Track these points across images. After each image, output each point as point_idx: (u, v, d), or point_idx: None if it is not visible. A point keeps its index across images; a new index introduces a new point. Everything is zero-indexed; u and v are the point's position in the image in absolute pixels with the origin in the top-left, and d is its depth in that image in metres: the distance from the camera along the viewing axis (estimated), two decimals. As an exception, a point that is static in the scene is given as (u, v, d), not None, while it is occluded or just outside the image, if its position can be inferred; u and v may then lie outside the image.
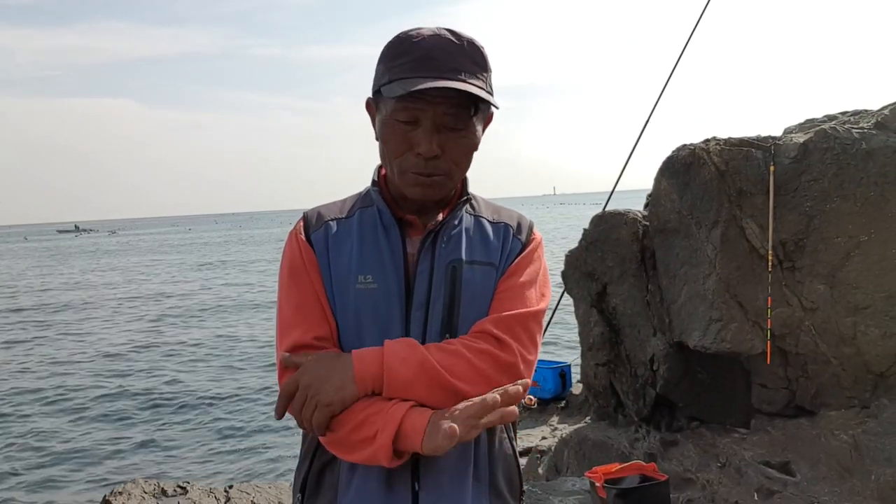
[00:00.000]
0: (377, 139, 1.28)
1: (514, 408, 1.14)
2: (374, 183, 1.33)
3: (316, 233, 1.29)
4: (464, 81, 1.18)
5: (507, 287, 1.26)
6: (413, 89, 1.16)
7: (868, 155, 4.07)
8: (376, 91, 1.25)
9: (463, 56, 1.20)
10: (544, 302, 1.29)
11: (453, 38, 1.22)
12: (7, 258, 58.02)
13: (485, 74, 1.23)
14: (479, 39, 1.25)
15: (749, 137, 4.45)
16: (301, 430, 1.31)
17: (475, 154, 1.31)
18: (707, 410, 4.73)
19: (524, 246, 1.31)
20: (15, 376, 13.11)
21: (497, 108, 1.27)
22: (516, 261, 1.29)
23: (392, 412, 1.13)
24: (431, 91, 1.17)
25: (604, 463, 4.28)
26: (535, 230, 1.35)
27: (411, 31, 1.23)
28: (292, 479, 1.39)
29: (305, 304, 1.25)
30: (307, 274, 1.26)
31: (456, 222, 1.29)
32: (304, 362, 1.19)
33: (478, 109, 1.23)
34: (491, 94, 1.24)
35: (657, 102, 5.97)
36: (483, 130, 1.30)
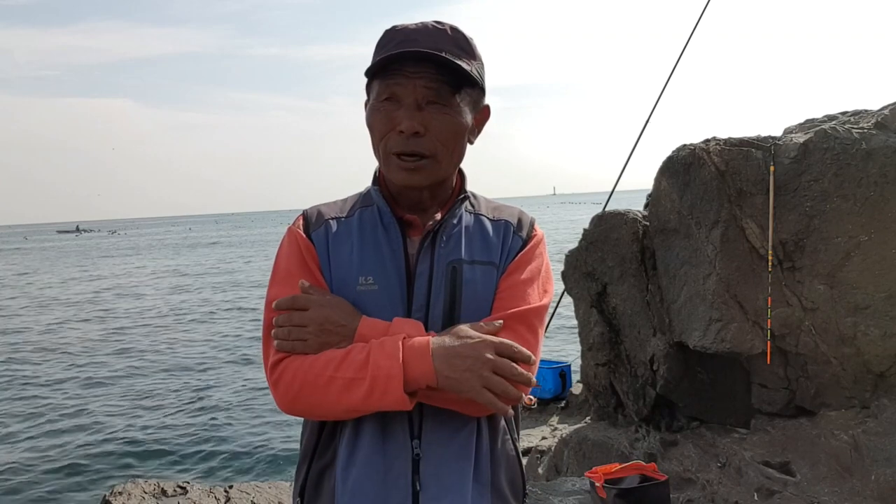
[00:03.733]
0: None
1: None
2: (374, 181, 1.32)
3: (316, 232, 1.27)
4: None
5: (508, 285, 1.25)
6: (387, 54, 1.16)
7: (868, 155, 4.07)
8: (367, 85, 1.26)
9: (445, 38, 1.20)
10: (547, 298, 1.28)
11: (437, 25, 1.23)
12: (10, 257, 58.01)
13: (471, 61, 1.22)
14: (469, 32, 1.24)
15: (749, 137, 4.45)
16: (301, 433, 1.31)
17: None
18: (707, 410, 4.73)
19: (525, 243, 1.30)
20: (14, 375, 13.11)
21: (481, 84, 1.24)
22: (517, 258, 1.27)
23: (389, 342, 1.14)
24: (410, 67, 1.17)
25: (604, 463, 4.28)
26: (537, 226, 1.34)
27: (397, 24, 1.25)
28: (292, 480, 1.38)
29: None
30: (309, 270, 1.24)
31: (455, 221, 1.28)
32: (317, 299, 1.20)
33: (461, 88, 1.21)
34: (479, 78, 1.23)
35: (657, 102, 5.98)
36: (476, 120, 1.28)
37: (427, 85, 1.18)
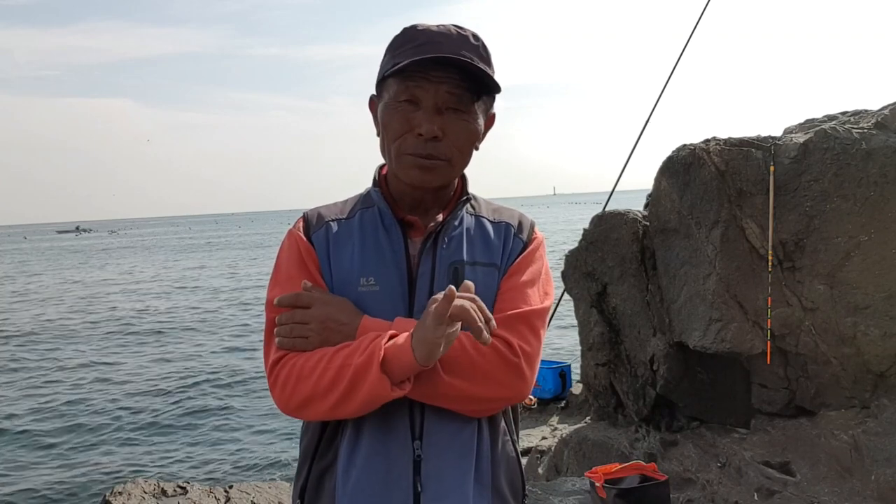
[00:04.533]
0: (378, 134, 1.28)
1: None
2: (374, 183, 1.32)
3: (317, 233, 1.28)
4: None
5: (509, 287, 1.25)
6: (416, 58, 1.16)
7: (868, 155, 4.07)
8: (380, 81, 1.26)
9: (468, 45, 1.21)
10: (548, 301, 1.29)
11: (459, 30, 1.23)
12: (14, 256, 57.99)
13: (489, 69, 1.23)
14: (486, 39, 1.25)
15: (749, 137, 4.45)
16: (300, 434, 1.31)
17: (475, 154, 1.30)
18: (707, 410, 4.73)
19: (525, 245, 1.30)
20: (14, 375, 13.11)
21: (499, 91, 1.26)
22: (518, 260, 1.28)
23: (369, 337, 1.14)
24: (434, 70, 1.18)
25: (604, 463, 4.28)
26: (537, 229, 1.35)
27: (418, 24, 1.25)
28: (292, 481, 1.38)
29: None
30: (309, 273, 1.24)
31: (457, 223, 1.28)
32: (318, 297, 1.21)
33: (480, 96, 1.23)
34: (496, 85, 1.24)
35: (657, 102, 5.98)
36: (484, 128, 1.29)
37: (450, 91, 1.19)
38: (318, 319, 1.18)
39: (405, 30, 1.24)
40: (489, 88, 1.23)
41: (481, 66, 1.19)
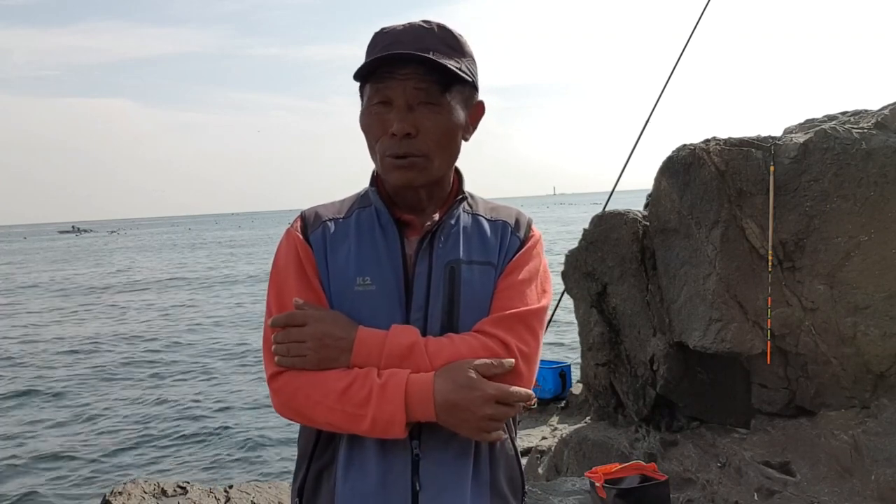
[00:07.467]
0: None
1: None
2: (372, 182, 1.32)
3: (314, 233, 1.27)
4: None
5: (506, 285, 1.24)
6: (371, 58, 1.17)
7: (868, 155, 4.06)
8: (360, 88, 1.26)
9: (432, 38, 1.21)
10: (546, 299, 1.28)
11: (424, 24, 1.23)
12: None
13: (460, 58, 1.23)
14: (459, 29, 1.25)
15: (749, 137, 4.45)
16: (298, 433, 1.31)
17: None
18: (707, 410, 4.73)
19: (523, 243, 1.29)
20: (15, 374, 13.11)
21: (472, 80, 1.25)
22: (515, 258, 1.27)
23: (396, 375, 1.16)
24: (400, 69, 1.17)
25: (604, 463, 4.28)
26: (534, 227, 1.34)
27: (386, 26, 1.25)
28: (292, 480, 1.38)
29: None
30: (306, 276, 1.24)
31: (453, 221, 1.27)
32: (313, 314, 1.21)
33: (451, 86, 1.22)
34: (470, 76, 1.23)
35: (657, 102, 5.98)
36: (470, 118, 1.28)
37: (416, 86, 1.19)
38: (314, 337, 1.17)
39: (374, 34, 1.25)
40: (459, 78, 1.21)
41: (442, 58, 1.18)
